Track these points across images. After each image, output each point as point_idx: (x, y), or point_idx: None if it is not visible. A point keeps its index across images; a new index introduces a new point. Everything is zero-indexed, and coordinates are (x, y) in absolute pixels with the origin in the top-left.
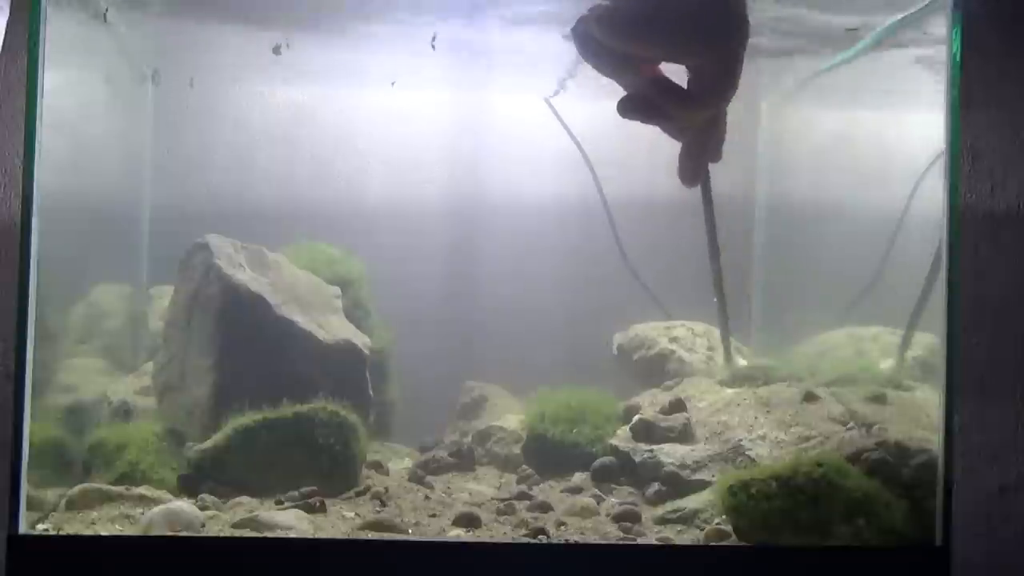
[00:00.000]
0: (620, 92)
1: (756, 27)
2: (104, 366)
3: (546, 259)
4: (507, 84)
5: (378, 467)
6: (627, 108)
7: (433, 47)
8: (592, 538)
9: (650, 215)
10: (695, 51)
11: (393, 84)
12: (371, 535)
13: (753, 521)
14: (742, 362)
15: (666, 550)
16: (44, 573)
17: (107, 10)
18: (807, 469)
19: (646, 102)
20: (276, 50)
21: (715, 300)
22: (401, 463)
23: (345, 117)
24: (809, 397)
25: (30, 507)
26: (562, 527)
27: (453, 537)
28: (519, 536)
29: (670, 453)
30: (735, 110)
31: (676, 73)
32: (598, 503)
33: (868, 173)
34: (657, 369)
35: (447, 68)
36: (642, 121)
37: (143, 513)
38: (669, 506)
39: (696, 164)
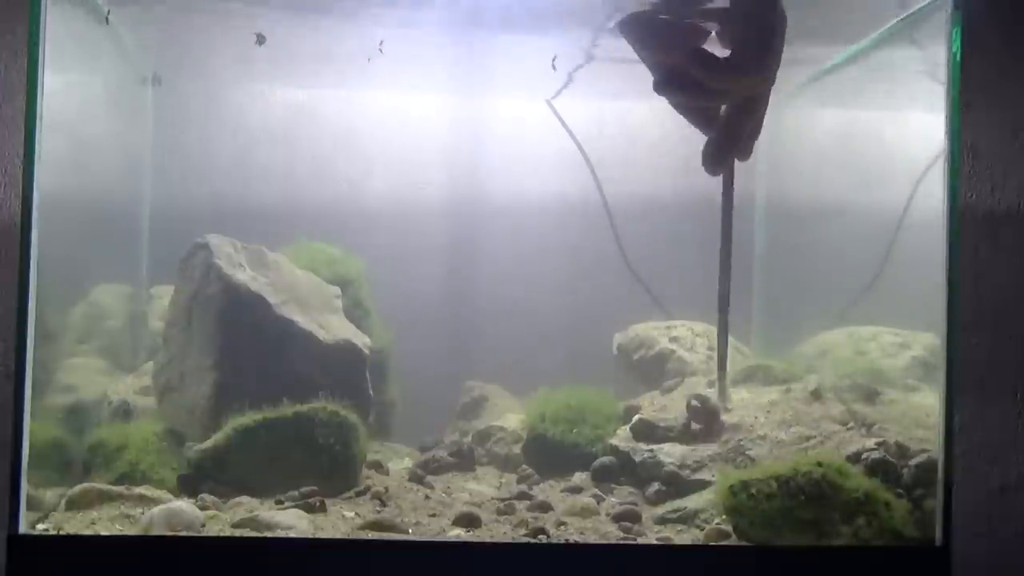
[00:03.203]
0: (625, 93)
1: None
2: (104, 366)
3: (546, 259)
4: (508, 85)
5: (378, 467)
6: (662, 84)
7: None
8: (592, 538)
9: (650, 215)
10: (733, 11)
11: (369, 60)
12: (371, 535)
13: (753, 521)
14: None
15: (666, 550)
16: (44, 573)
17: (109, 11)
18: (807, 469)
19: (682, 77)
20: (259, 40)
21: (718, 312)
22: (401, 463)
23: (346, 117)
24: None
25: (30, 507)
26: (562, 527)
27: (453, 537)
28: (519, 536)
29: (670, 453)
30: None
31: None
32: (598, 503)
33: (868, 173)
34: (657, 369)
35: (448, 69)
36: (678, 96)
37: (143, 513)
38: (669, 506)
39: (721, 153)
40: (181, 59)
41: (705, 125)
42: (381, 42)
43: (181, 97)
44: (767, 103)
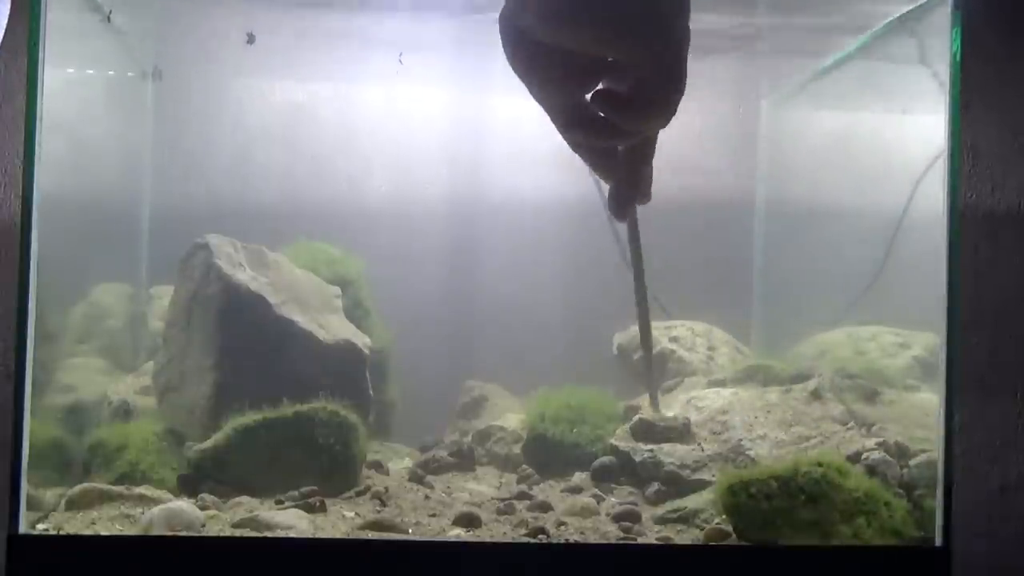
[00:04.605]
0: None
1: (754, 29)
2: (104, 366)
3: (546, 258)
4: (506, 81)
5: (378, 467)
6: (570, 126)
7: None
8: (592, 538)
9: (649, 215)
10: (630, 43)
11: (397, 73)
12: (371, 535)
13: (753, 521)
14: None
15: (666, 550)
16: (44, 573)
17: (110, 12)
18: (807, 469)
19: (590, 116)
20: (249, 39)
21: (642, 349)
22: (401, 463)
23: (346, 116)
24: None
25: (30, 507)
26: (562, 527)
27: (453, 537)
28: (519, 536)
29: (670, 453)
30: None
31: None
32: (598, 503)
33: (868, 173)
34: (657, 369)
35: (446, 66)
36: (587, 138)
37: (143, 513)
38: (669, 506)
39: (628, 199)
40: (182, 53)
41: (606, 171)
42: (401, 54)
43: (181, 91)
44: (657, 139)
